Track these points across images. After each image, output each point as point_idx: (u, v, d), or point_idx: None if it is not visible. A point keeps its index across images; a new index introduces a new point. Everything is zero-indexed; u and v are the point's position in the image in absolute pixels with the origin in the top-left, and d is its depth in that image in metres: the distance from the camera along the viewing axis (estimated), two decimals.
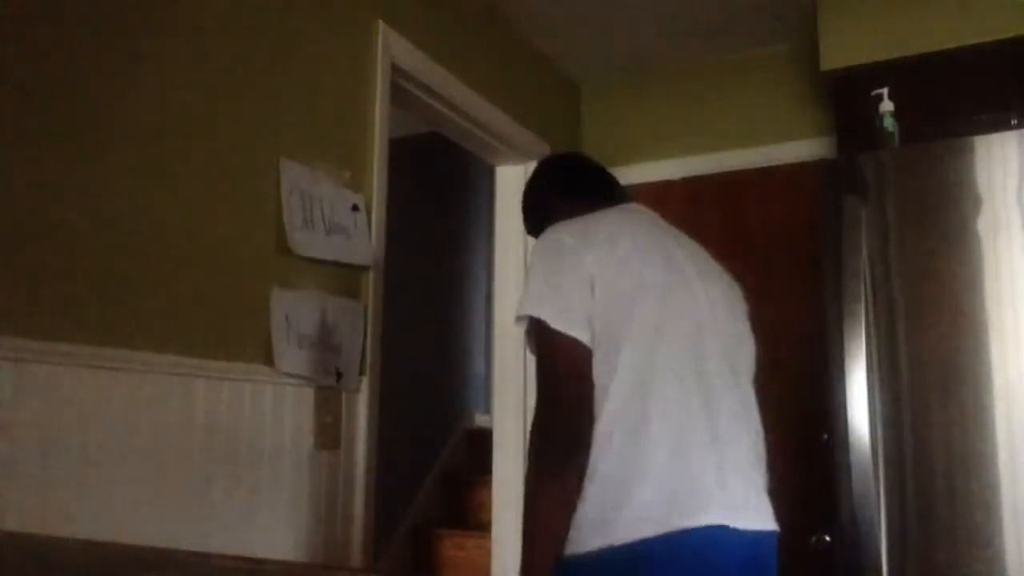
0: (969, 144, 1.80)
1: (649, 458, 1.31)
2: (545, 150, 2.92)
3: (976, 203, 1.76)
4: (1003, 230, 1.73)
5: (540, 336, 1.36)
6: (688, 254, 1.55)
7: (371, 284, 1.99)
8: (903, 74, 2.27)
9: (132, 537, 1.33)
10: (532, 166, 2.84)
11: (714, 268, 1.61)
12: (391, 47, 2.12)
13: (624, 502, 1.29)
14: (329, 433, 1.81)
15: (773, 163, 2.89)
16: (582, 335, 1.34)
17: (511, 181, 2.91)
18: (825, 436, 1.85)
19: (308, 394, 1.76)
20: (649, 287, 1.41)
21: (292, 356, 1.70)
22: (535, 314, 1.36)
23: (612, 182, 1.72)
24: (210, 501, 1.51)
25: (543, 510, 1.33)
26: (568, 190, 1.68)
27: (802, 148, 2.83)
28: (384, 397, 2.03)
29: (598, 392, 1.35)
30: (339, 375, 1.83)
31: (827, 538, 1.96)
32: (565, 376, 1.35)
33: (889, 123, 2.12)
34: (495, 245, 2.96)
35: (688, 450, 1.34)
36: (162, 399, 1.44)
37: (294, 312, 1.73)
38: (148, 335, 1.43)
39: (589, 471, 1.32)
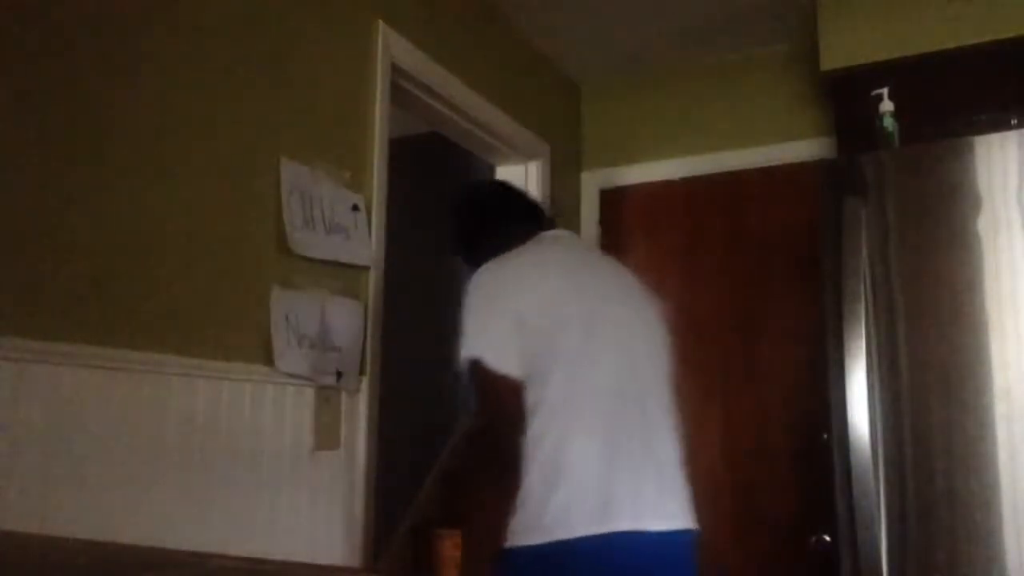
0: (969, 144, 1.80)
1: (568, 470, 1.52)
2: (545, 150, 2.92)
3: (976, 203, 1.76)
4: (1003, 230, 1.73)
5: (478, 373, 1.55)
6: (607, 278, 1.76)
7: (371, 284, 1.99)
8: (903, 74, 2.27)
9: (132, 537, 1.33)
10: (532, 166, 2.88)
11: (632, 286, 1.81)
12: (391, 47, 2.12)
13: (546, 508, 1.50)
14: (329, 433, 1.81)
15: (773, 163, 2.89)
16: (513, 370, 1.55)
17: (511, 181, 2.91)
18: (825, 436, 1.85)
19: (308, 394, 1.76)
20: (572, 318, 1.61)
21: (292, 356, 1.70)
22: (476, 355, 1.55)
23: (539, 209, 1.92)
24: (210, 501, 1.51)
25: (495, 517, 1.55)
26: (502, 217, 1.86)
27: (802, 148, 2.83)
28: (384, 397, 2.03)
29: (529, 413, 1.55)
30: (339, 375, 1.83)
31: (827, 538, 1.96)
32: (503, 407, 1.56)
33: (889, 123, 2.12)
34: None
35: (605, 462, 1.53)
36: (162, 399, 1.44)
37: (294, 312, 1.73)
38: (148, 335, 1.43)
39: (536, 482, 1.53)
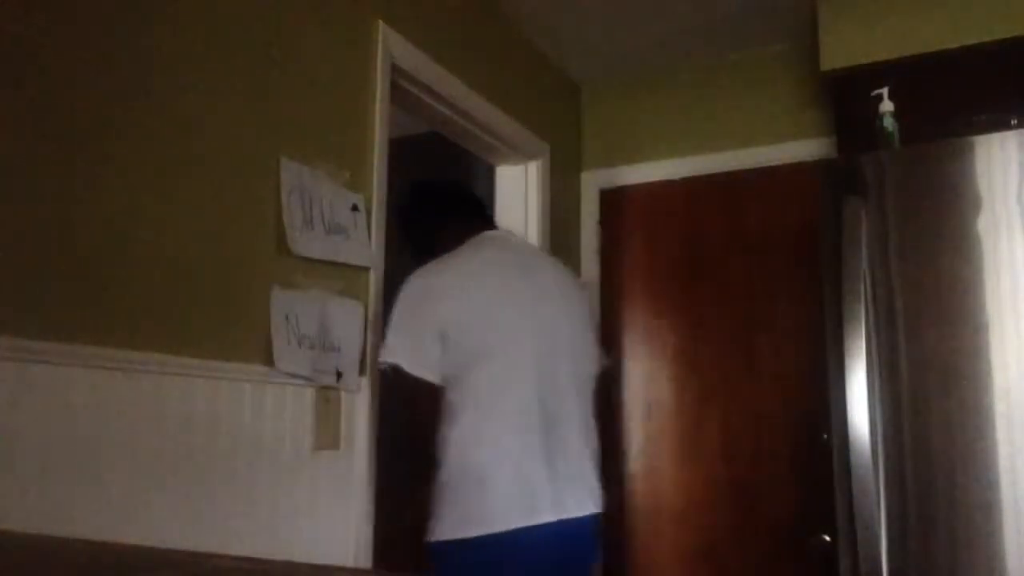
0: (969, 144, 1.80)
1: (494, 469, 1.69)
2: (545, 150, 2.92)
3: (976, 203, 1.76)
4: (1003, 230, 1.73)
5: (398, 378, 1.74)
6: (538, 281, 1.89)
7: (371, 284, 1.99)
8: (903, 74, 2.27)
9: (132, 537, 1.33)
10: (532, 166, 2.89)
11: (563, 287, 1.96)
12: (391, 47, 2.12)
13: (476, 505, 1.68)
14: (329, 433, 1.81)
15: (773, 163, 2.89)
16: (430, 376, 1.72)
17: (511, 181, 2.91)
18: (825, 436, 1.85)
19: (308, 394, 1.76)
20: (496, 324, 1.77)
21: (292, 356, 1.70)
22: (393, 361, 1.74)
23: (480, 208, 2.08)
24: (210, 501, 1.51)
25: (419, 501, 1.77)
26: (441, 217, 2.02)
27: (802, 148, 2.83)
28: (384, 397, 2.03)
29: (453, 411, 1.73)
30: (339, 375, 1.83)
31: (827, 538, 1.96)
32: (421, 409, 1.75)
33: (889, 123, 2.12)
34: None
35: (527, 459, 1.71)
36: (162, 399, 1.44)
37: (294, 312, 1.73)
38: (148, 335, 1.43)
39: (447, 478, 1.72)
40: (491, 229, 2.00)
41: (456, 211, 2.03)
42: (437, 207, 2.05)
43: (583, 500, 1.79)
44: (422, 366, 1.73)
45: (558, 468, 1.74)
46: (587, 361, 1.94)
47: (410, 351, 1.74)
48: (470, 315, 1.76)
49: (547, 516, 1.69)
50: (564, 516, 1.72)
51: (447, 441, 1.73)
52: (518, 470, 1.70)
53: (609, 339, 3.10)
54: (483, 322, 1.77)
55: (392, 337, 1.76)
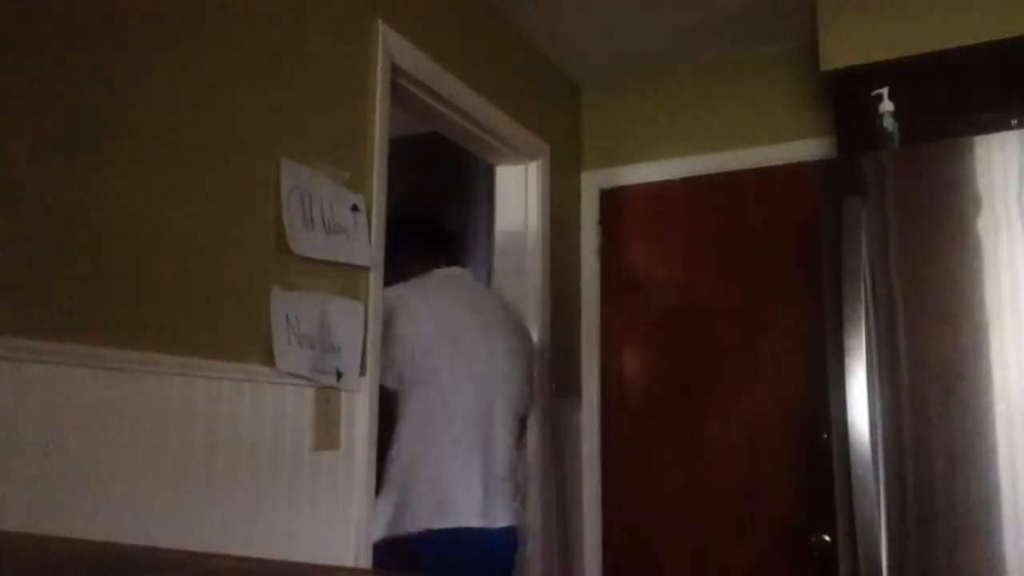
0: (969, 144, 1.80)
1: (427, 473, 1.98)
2: (545, 150, 2.92)
3: (976, 203, 1.76)
4: (1003, 230, 1.73)
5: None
6: (485, 320, 2.19)
7: (371, 284, 1.99)
8: (903, 74, 2.27)
9: (131, 537, 1.33)
10: (532, 166, 2.89)
11: (509, 328, 2.26)
12: (391, 47, 2.12)
13: (408, 506, 1.96)
14: (329, 433, 1.81)
15: (773, 163, 2.89)
16: (391, 383, 2.03)
17: (511, 181, 2.91)
18: (825, 436, 1.85)
19: (308, 394, 1.76)
20: (439, 352, 2.05)
21: (292, 356, 1.70)
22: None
23: (455, 246, 2.45)
24: (209, 501, 1.51)
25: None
26: (423, 247, 2.32)
27: (802, 148, 2.83)
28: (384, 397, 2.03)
29: (398, 420, 2.03)
30: (339, 375, 1.83)
31: (827, 538, 1.96)
32: (386, 409, 2.00)
33: (889, 123, 2.12)
34: (495, 245, 2.96)
35: (456, 470, 2.00)
36: (162, 399, 1.44)
37: (294, 312, 1.72)
38: (148, 335, 1.43)
39: (396, 481, 2.00)
40: (455, 266, 2.31)
41: (428, 246, 2.33)
42: (414, 239, 2.32)
43: (504, 514, 2.10)
44: (385, 375, 2.00)
45: (489, 486, 2.04)
46: (521, 398, 2.23)
47: (384, 360, 2.00)
48: (418, 339, 2.03)
49: (464, 522, 1.98)
50: (490, 525, 2.02)
51: (394, 447, 2.01)
52: (456, 483, 1.98)
53: (609, 339, 3.10)
54: (427, 348, 2.03)
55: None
